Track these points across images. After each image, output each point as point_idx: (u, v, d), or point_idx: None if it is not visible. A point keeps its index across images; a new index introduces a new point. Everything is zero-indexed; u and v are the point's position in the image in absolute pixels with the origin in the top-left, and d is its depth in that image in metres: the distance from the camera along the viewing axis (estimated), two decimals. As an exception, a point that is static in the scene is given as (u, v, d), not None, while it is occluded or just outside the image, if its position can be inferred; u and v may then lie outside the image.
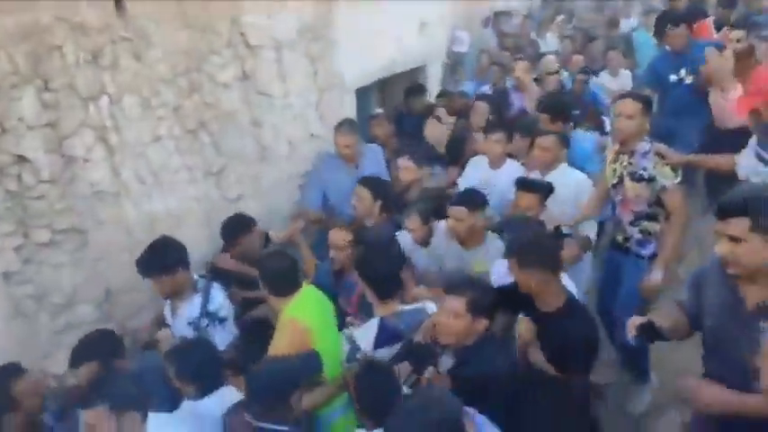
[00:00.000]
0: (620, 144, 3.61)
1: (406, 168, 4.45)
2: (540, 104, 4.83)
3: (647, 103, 3.61)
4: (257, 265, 3.25)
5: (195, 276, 3.46)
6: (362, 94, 5.70)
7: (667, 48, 5.41)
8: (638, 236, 3.60)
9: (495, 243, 3.63)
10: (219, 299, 3.40)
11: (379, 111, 5.69)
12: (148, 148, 3.72)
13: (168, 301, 3.45)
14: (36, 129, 3.18)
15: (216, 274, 3.66)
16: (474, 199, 3.65)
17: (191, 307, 3.35)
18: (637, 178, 3.48)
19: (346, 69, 5.15)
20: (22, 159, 3.16)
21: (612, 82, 6.82)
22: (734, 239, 2.08)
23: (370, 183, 4.11)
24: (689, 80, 5.19)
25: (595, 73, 6.91)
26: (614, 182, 3.64)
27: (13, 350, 3.21)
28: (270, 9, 4.34)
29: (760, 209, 2.04)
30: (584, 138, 4.83)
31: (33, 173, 3.21)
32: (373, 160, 4.71)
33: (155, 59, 3.64)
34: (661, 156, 3.42)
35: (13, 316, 3.30)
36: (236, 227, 3.94)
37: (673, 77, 5.27)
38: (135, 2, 3.46)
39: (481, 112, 5.26)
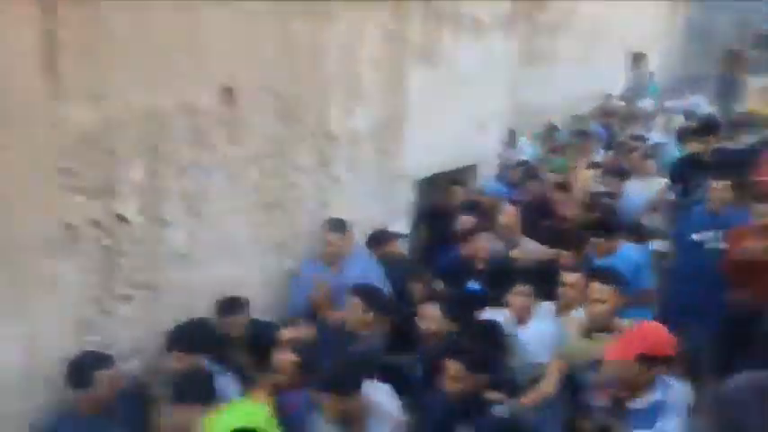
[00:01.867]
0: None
1: (432, 318, 3.82)
2: None
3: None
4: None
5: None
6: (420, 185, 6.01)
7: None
8: None
9: None
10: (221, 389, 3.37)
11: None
12: (226, 219, 4.06)
13: None
14: (139, 193, 3.53)
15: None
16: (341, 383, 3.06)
17: None
18: None
19: (410, 163, 5.50)
20: (122, 219, 3.50)
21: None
22: None
23: (362, 291, 3.89)
24: (721, 245, 4.49)
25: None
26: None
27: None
28: (350, 104, 4.74)
29: None
30: (633, 250, 4.42)
31: (129, 232, 3.53)
32: (359, 265, 4.38)
33: (248, 142, 4.01)
34: None
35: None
36: (225, 307, 3.91)
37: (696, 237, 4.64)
38: (241, 92, 3.87)
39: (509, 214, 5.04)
